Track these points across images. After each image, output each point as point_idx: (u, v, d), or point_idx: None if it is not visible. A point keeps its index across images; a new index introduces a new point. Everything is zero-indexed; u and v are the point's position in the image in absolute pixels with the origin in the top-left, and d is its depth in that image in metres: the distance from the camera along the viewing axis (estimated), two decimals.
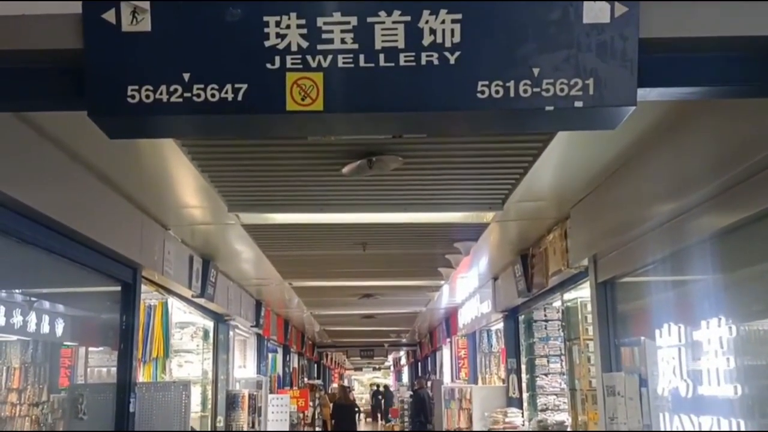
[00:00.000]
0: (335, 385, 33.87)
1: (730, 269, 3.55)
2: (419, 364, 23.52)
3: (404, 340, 22.03)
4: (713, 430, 3.42)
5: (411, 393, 18.37)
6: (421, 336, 20.10)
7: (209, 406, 8.58)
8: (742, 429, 3.21)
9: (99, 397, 4.84)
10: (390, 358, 35.98)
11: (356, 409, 19.27)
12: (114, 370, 4.93)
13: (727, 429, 3.29)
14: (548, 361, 7.86)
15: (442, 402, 11.60)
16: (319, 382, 21.61)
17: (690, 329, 3.69)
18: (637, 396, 4.41)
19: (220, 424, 8.73)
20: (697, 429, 3.58)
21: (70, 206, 3.87)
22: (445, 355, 15.24)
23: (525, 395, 8.21)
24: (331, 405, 19.28)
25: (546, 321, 7.86)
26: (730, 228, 3.38)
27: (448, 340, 14.00)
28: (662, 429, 4.02)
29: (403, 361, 32.26)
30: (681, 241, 3.80)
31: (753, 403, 3.20)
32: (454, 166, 4.48)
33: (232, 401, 8.89)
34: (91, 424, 4.63)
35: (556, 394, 7.77)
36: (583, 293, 6.21)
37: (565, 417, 7.05)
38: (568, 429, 6.74)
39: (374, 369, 46.35)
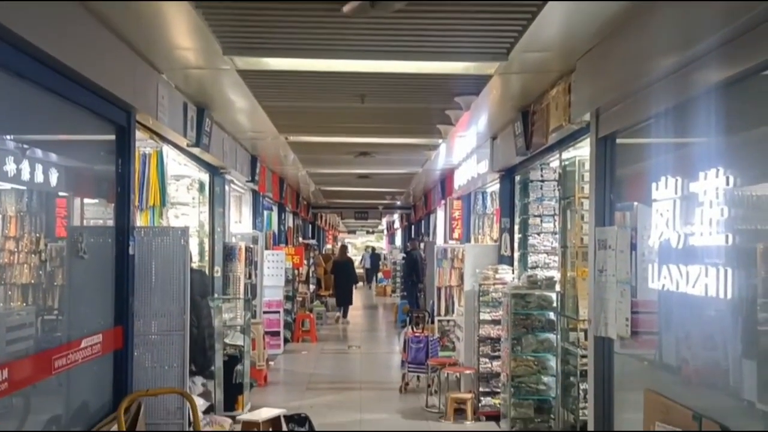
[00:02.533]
0: (329, 246, 34.78)
1: (731, 122, 3.51)
2: (413, 227, 23.98)
3: (399, 203, 22.30)
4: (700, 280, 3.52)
5: (403, 255, 18.88)
6: (416, 199, 20.34)
7: (207, 258, 8.78)
8: (729, 277, 3.29)
9: (98, 240, 4.90)
10: (384, 221, 36.65)
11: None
12: (110, 222, 4.96)
13: (714, 277, 3.37)
14: (541, 221, 7.98)
15: (435, 262, 11.88)
16: (313, 242, 22.11)
17: (687, 181, 3.69)
18: (627, 249, 4.50)
19: (218, 274, 8.98)
20: (684, 279, 3.68)
21: (65, 41, 3.75)
22: (439, 217, 15.48)
23: (516, 254, 8.40)
24: (331, 262, 19.94)
25: (542, 181, 7.89)
26: (734, 78, 3.31)
27: (443, 202, 14.16)
28: (649, 280, 4.13)
29: (397, 224, 32.91)
30: (685, 92, 3.74)
31: (740, 251, 3.27)
32: (459, 10, 4.29)
33: (229, 253, 9.09)
34: (91, 264, 4.72)
35: (547, 253, 7.94)
36: (581, 152, 6.20)
37: (554, 273, 7.25)
38: (557, 284, 6.95)
39: (368, 233, 47.36)
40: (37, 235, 4.82)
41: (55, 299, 4.54)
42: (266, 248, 12.15)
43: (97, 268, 4.77)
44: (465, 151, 10.17)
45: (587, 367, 5.34)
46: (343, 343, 14.53)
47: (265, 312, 11.86)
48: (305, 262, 16.37)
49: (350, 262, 19.51)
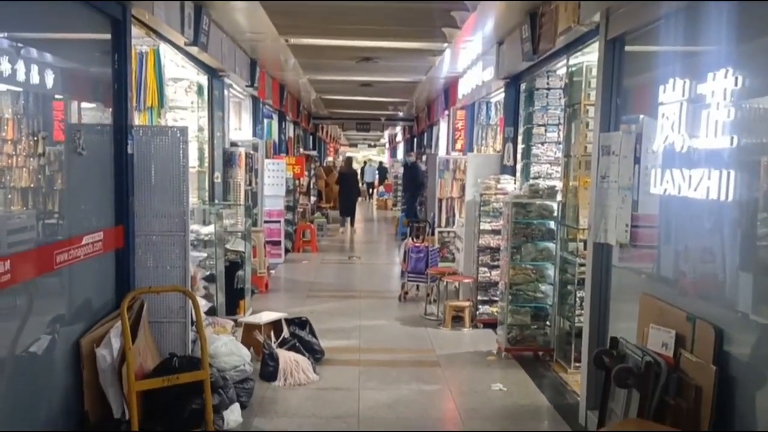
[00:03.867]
0: (330, 159, 34.62)
1: (743, 28, 3.37)
2: (415, 139, 23.80)
3: (401, 114, 22.03)
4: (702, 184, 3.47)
5: (404, 167, 18.81)
6: (419, 110, 20.07)
7: (206, 163, 8.73)
8: (731, 179, 3.25)
9: (96, 138, 4.82)
10: (386, 134, 36.36)
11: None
12: (108, 122, 4.86)
13: (717, 179, 3.33)
14: (546, 130, 7.87)
15: (437, 173, 11.82)
16: (314, 153, 21.99)
17: (695, 83, 3.59)
18: (631, 154, 4.43)
19: (218, 180, 8.95)
20: (687, 182, 3.64)
21: None
22: (442, 128, 15.32)
23: (519, 165, 8.34)
24: (336, 173, 19.94)
25: (548, 89, 7.74)
26: None
27: (446, 112, 13.97)
28: (651, 185, 4.09)
29: (399, 137, 32.65)
30: None
31: (744, 163, 3.21)
32: None
33: (229, 158, 9.03)
34: (90, 163, 4.67)
35: (550, 163, 7.89)
36: (588, 58, 6.03)
37: (556, 183, 7.22)
38: (558, 193, 6.92)
39: (370, 146, 47.05)
40: (35, 138, 4.74)
41: (56, 202, 4.51)
42: (266, 157, 12.08)
43: (96, 167, 4.72)
44: (470, 58, 9.94)
45: (585, 275, 5.39)
46: (343, 253, 14.68)
47: (266, 221, 11.92)
48: (306, 173, 16.33)
49: (355, 173, 20.06)
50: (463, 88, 11.30)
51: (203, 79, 8.33)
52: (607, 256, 4.97)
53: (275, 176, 12.39)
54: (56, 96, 4.55)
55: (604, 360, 4.04)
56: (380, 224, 21.76)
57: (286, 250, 13.17)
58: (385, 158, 41.65)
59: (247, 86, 10.26)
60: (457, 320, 8.14)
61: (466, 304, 8.19)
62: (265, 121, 13.56)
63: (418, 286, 9.82)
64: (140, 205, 5.14)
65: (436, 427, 5.38)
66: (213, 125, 8.53)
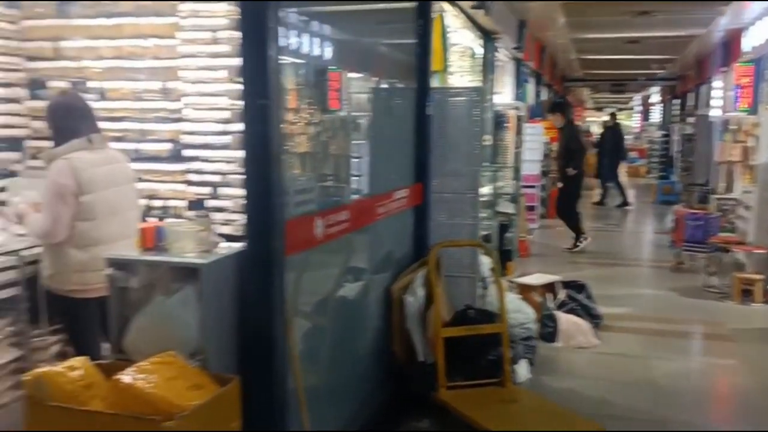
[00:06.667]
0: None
1: None
2: (677, 100, 22.01)
3: (662, 74, 20.47)
4: None
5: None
6: (686, 68, 18.48)
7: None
8: None
9: (402, 101, 5.14)
10: (639, 96, 34.07)
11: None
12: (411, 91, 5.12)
13: None
14: None
15: (712, 135, 10.85)
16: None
17: None
18: None
19: (487, 142, 9.06)
20: None
21: None
22: (717, 86, 13.97)
23: None
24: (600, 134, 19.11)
25: None
26: None
27: (724, 69, 12.70)
28: None
29: (654, 99, 30.39)
30: None
31: None
32: None
33: (499, 121, 9.09)
34: (402, 123, 5.02)
35: None
36: None
37: None
38: None
39: (619, 110, 44.44)
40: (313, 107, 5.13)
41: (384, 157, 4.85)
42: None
43: (405, 128, 5.05)
44: (763, 6, 8.88)
45: None
46: (600, 221, 14.15)
47: (523, 186, 11.87)
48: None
49: (621, 134, 17.49)
50: (750, 41, 10.15)
51: (475, 44, 8.45)
52: None
53: (532, 141, 12.22)
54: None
55: None
56: (633, 192, 20.60)
57: (540, 216, 13.02)
58: (636, 122, 39.11)
59: (513, 48, 10.21)
60: (746, 294, 7.46)
61: (759, 277, 7.47)
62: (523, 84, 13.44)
63: (692, 257, 9.15)
64: (435, 165, 5.38)
65: (747, 404, 4.99)
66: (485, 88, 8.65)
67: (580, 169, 9.97)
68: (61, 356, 3.97)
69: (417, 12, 5.01)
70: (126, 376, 2.27)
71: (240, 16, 2.55)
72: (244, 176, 2.69)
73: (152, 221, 4.60)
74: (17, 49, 5.56)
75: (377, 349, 4.70)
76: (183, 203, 5.45)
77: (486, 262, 5.89)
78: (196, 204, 5.41)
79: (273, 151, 2.60)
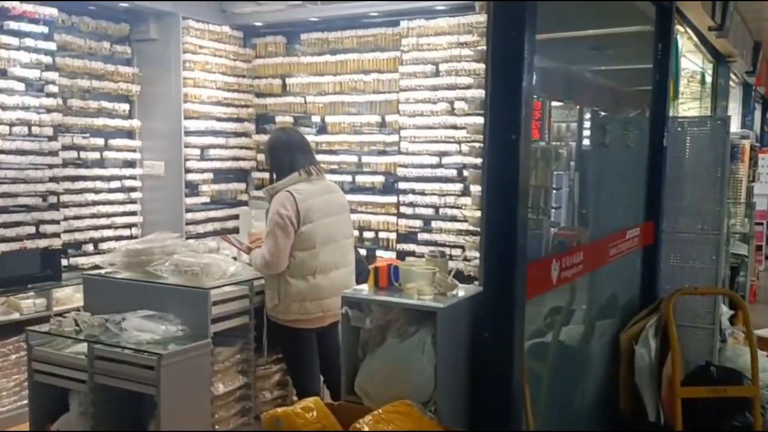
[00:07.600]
0: None
1: None
2: None
3: None
4: None
5: None
6: None
7: None
8: None
9: (633, 132, 4.74)
10: None
11: None
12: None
13: None
14: None
15: None
16: None
17: None
18: None
19: (719, 174, 8.20)
20: None
21: None
22: None
23: None
24: None
25: None
26: None
27: None
28: None
29: None
30: None
31: None
32: None
33: (732, 151, 8.19)
34: (629, 153, 4.62)
35: None
36: None
37: None
38: None
39: None
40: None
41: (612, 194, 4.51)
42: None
43: (638, 161, 4.64)
44: None
45: None
46: None
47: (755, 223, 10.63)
48: None
49: None
50: None
51: (705, 67, 7.70)
52: None
53: (764, 172, 10.99)
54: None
55: None
56: None
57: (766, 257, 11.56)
58: None
59: (746, 73, 9.23)
60: None
61: None
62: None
63: None
64: (669, 201, 4.88)
65: None
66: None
67: None
68: (280, 385, 4.05)
69: (657, 35, 4.59)
70: (364, 426, 2.15)
71: (491, 47, 2.37)
72: (484, 214, 2.50)
73: (386, 259, 4.60)
74: (249, 86, 5.93)
75: (600, 403, 4.28)
76: (393, 235, 5.43)
77: (726, 312, 5.24)
78: (405, 237, 5.37)
79: (520, 189, 2.38)
